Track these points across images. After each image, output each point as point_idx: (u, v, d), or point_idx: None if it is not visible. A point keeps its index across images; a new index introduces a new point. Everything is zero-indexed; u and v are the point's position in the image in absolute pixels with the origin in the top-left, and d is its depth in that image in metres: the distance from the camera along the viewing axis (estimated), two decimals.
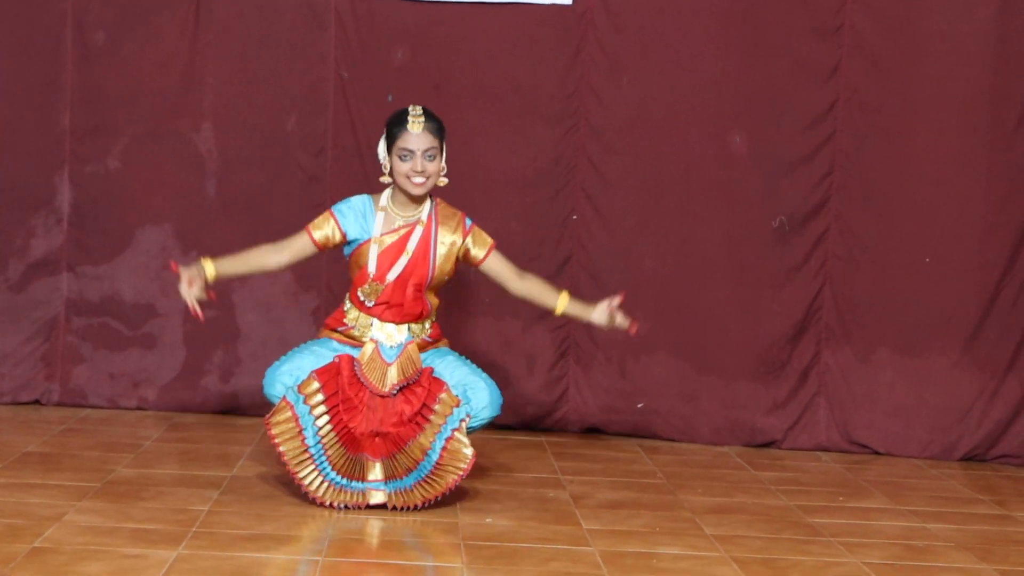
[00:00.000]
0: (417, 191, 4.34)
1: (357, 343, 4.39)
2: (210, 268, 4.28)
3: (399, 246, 4.36)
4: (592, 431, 5.65)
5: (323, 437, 4.25)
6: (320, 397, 4.26)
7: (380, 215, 4.39)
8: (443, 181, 4.40)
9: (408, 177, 4.32)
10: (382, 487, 4.28)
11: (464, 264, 4.50)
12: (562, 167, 5.57)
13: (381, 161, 4.38)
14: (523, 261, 5.53)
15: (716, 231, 5.57)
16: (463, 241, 4.43)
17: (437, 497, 4.25)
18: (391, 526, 4.15)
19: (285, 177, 5.60)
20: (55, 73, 5.55)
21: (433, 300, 4.47)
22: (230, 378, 5.63)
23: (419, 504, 4.24)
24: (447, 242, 4.41)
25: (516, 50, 5.48)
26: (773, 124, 5.54)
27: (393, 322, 4.38)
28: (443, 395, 4.30)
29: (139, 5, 5.53)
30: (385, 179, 4.38)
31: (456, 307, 5.54)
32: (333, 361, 4.32)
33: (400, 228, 4.38)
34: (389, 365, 4.34)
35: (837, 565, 3.94)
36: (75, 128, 5.57)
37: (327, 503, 4.25)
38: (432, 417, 4.28)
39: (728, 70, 5.52)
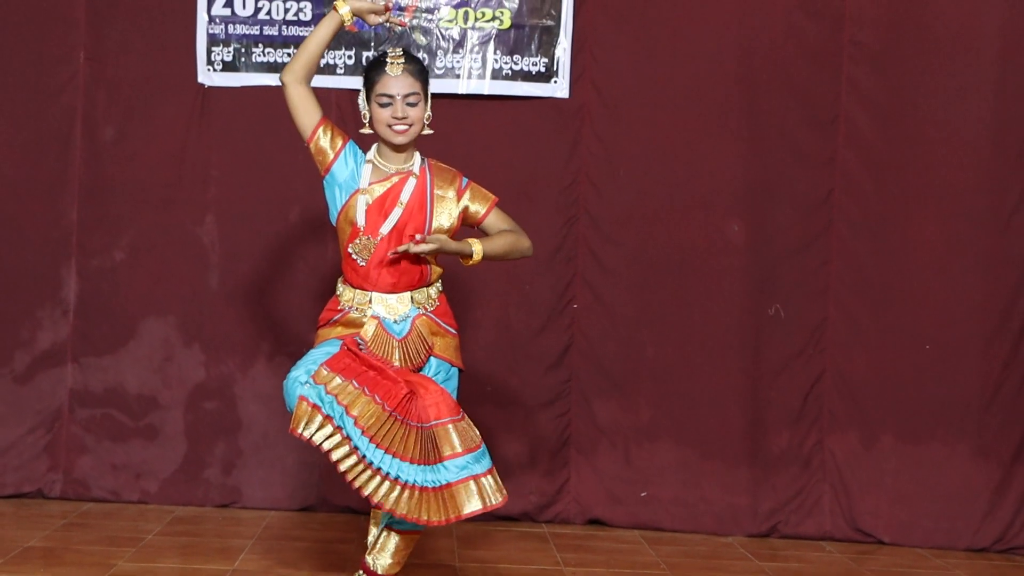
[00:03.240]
0: (399, 140, 3.93)
1: (358, 327, 3.92)
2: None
3: (392, 197, 3.95)
4: (594, 523, 5.61)
5: (359, 419, 3.71)
6: (338, 380, 3.76)
7: (368, 167, 3.98)
8: (428, 131, 4.01)
9: (389, 126, 3.93)
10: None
11: (464, 226, 4.11)
12: (562, 256, 5.61)
13: (361, 111, 4.00)
14: (524, 349, 5.59)
15: (716, 318, 5.58)
16: (460, 200, 4.02)
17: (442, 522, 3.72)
18: None
19: (287, 269, 5.64)
20: (64, 167, 5.61)
21: (435, 266, 4.03)
22: (232, 470, 5.63)
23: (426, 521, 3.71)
24: (445, 196, 4.00)
25: (514, 143, 5.54)
26: (770, 213, 5.57)
27: (393, 292, 3.95)
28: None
29: (146, 101, 5.60)
30: (366, 130, 3.99)
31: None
32: (340, 350, 3.83)
33: (392, 177, 3.97)
34: (397, 341, 3.91)
35: None
36: (83, 221, 5.62)
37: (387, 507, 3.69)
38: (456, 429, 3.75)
39: (725, 161, 5.57)
